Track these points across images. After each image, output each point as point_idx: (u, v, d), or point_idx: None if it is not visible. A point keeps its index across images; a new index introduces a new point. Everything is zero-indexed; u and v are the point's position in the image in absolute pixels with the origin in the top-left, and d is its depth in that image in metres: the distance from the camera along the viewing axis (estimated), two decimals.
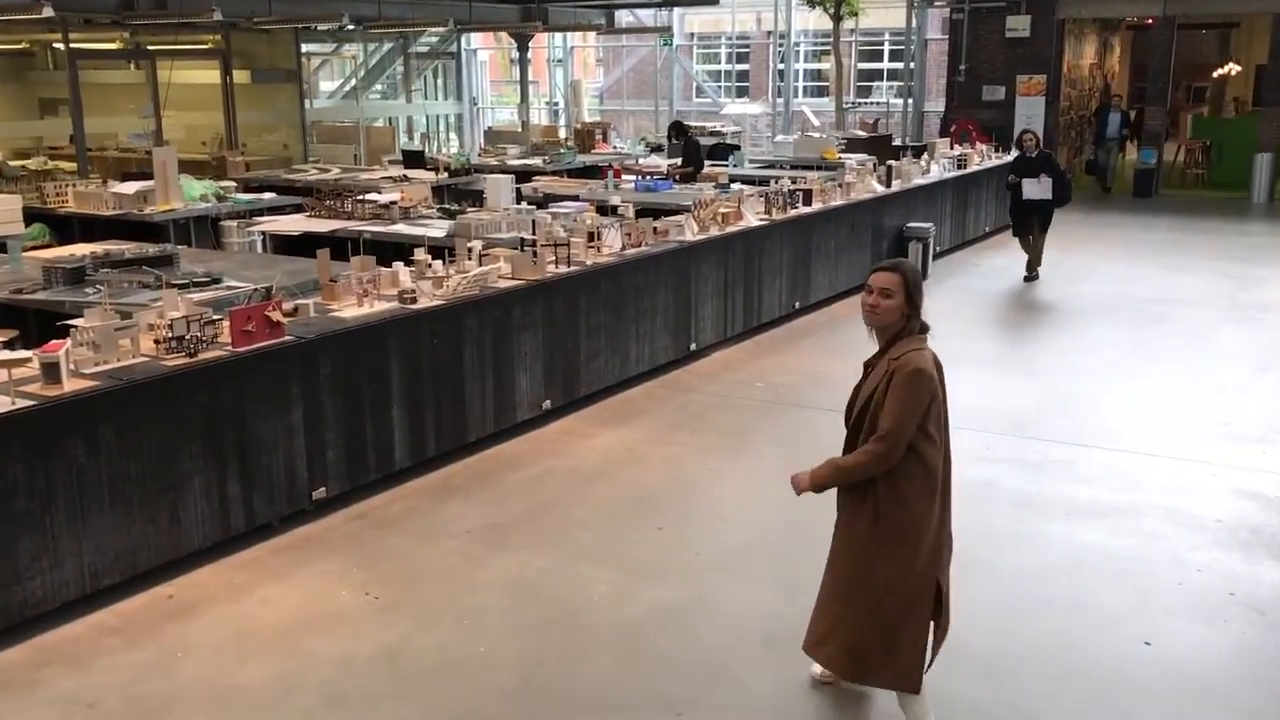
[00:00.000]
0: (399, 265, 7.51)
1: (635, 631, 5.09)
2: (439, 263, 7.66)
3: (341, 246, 9.28)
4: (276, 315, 6.09)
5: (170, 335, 5.70)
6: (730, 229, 9.95)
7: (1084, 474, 6.90)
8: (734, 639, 5.04)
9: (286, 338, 6.13)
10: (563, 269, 8.04)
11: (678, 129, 15.28)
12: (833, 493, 4.28)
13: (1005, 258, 14.53)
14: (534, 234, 8.57)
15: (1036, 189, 12.72)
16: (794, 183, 11.75)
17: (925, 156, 15.13)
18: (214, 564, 5.76)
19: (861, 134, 20.18)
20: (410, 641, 5.00)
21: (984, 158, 16.35)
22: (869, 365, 4.13)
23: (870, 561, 4.12)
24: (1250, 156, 20.44)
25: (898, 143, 20.79)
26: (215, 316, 6.10)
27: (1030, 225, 12.97)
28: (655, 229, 9.28)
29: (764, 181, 13.36)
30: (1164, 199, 20.73)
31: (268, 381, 5.97)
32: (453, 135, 26.22)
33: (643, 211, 9.98)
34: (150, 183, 11.82)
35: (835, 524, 4.29)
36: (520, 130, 20.93)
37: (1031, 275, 12.99)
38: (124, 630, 5.12)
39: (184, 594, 5.46)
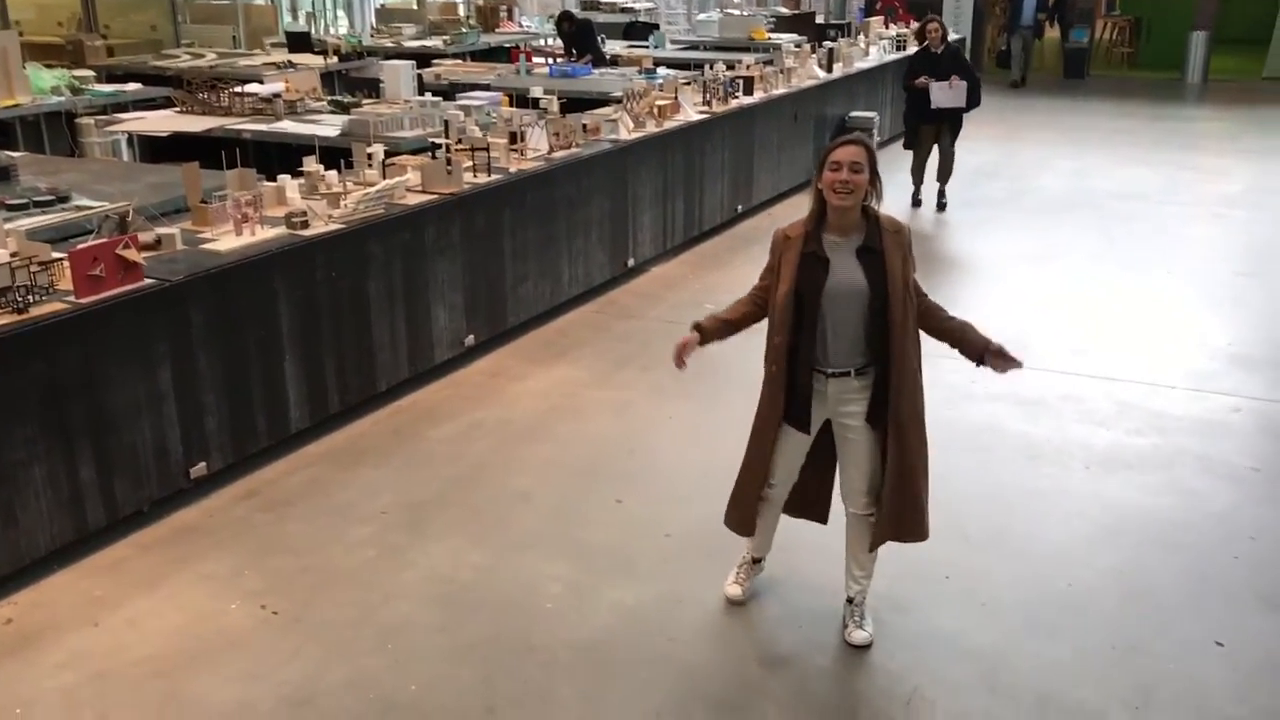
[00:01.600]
0: (285, 180, 6.24)
1: (602, 652, 4.11)
2: (333, 174, 6.41)
3: (219, 149, 7.91)
4: (132, 254, 4.84)
5: None
6: (668, 124, 8.78)
7: (1095, 412, 6.05)
8: (726, 655, 4.09)
9: (146, 281, 4.90)
10: (482, 178, 6.84)
11: (566, 18, 13.75)
12: None
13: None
14: (445, 136, 7.32)
15: (948, 95, 10.09)
16: (730, 68, 10.56)
17: (862, 38, 14.00)
18: (67, 570, 4.61)
19: (785, 11, 18.93)
20: (320, 679, 3.95)
21: None
22: (865, 249, 3.84)
23: (921, 410, 3.94)
24: (1184, 35, 19.70)
25: (821, 21, 19.59)
26: (55, 255, 4.83)
27: (934, 137, 10.42)
28: (585, 126, 8.08)
29: (691, 66, 12.13)
30: (1095, 81, 19.97)
31: (125, 339, 4.75)
32: (341, 14, 24.20)
33: (564, 104, 8.75)
34: None
35: (891, 407, 3.85)
36: (416, 7, 19.19)
37: (919, 201, 10.61)
38: None
39: (27, 617, 4.31)
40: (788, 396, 3.94)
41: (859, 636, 4.11)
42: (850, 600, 4.19)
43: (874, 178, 3.83)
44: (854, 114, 12.05)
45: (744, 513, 4.21)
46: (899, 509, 3.96)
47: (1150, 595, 4.40)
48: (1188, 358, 6.85)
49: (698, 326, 4.10)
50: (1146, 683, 3.88)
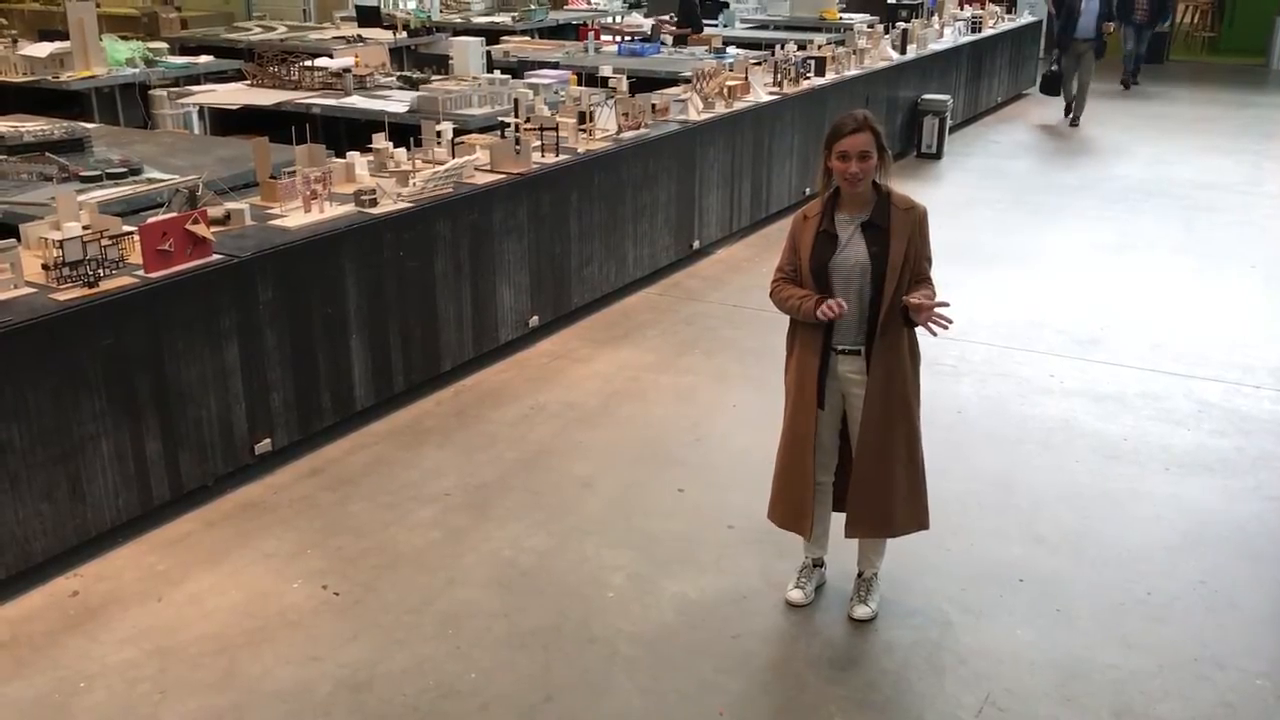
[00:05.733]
0: (355, 157, 6.21)
1: (664, 645, 4.04)
2: (402, 151, 6.37)
3: (288, 122, 7.91)
4: (201, 229, 4.83)
5: (62, 260, 4.44)
6: (738, 105, 8.64)
7: (1174, 411, 5.86)
8: (790, 654, 4.01)
9: (215, 257, 4.89)
10: (550, 158, 6.77)
11: None
12: None
13: (1023, 132, 13.33)
14: (515, 115, 7.25)
15: None
16: (801, 49, 10.38)
17: (936, 19, 13.71)
18: (132, 544, 4.63)
19: None
20: (380, 664, 3.92)
21: (997, 19, 14.93)
22: (869, 225, 3.82)
23: (908, 394, 3.92)
24: (1270, 18, 19.09)
25: (893, 0, 19.22)
26: (125, 229, 4.84)
27: None
28: (654, 106, 7.97)
29: (762, 46, 11.98)
30: (1175, 66, 19.42)
31: (192, 314, 4.74)
32: None
33: (632, 83, 8.64)
34: (67, 44, 10.29)
35: (866, 388, 3.89)
36: None
37: None
38: (13, 646, 4.00)
39: (93, 589, 4.34)
40: (820, 375, 3.94)
41: (861, 611, 4.17)
42: (860, 575, 4.25)
43: (881, 154, 3.79)
44: (927, 96, 11.80)
45: (795, 505, 4.10)
46: (866, 499, 3.98)
47: (1235, 606, 4.23)
48: (1272, 356, 6.61)
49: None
50: (1232, 700, 3.73)
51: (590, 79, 8.86)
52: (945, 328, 3.75)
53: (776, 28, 14.85)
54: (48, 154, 6.64)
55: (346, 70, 9.44)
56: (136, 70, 10.22)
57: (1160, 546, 4.62)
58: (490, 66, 10.63)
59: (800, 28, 14.33)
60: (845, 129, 3.76)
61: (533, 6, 15.79)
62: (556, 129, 6.88)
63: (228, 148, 7.34)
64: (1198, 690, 3.78)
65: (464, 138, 6.86)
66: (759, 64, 9.69)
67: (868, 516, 4.02)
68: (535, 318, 6.65)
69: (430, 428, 5.68)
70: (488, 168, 6.46)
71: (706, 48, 11.98)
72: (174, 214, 4.88)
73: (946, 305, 3.74)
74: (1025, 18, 16.30)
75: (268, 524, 4.80)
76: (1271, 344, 6.80)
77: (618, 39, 12.81)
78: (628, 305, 7.40)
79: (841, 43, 11.37)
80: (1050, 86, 13.97)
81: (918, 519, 4.07)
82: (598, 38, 12.92)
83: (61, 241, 4.43)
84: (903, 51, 11.68)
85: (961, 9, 15.13)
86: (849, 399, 3.99)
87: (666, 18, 13.84)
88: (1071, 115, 13.85)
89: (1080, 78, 13.63)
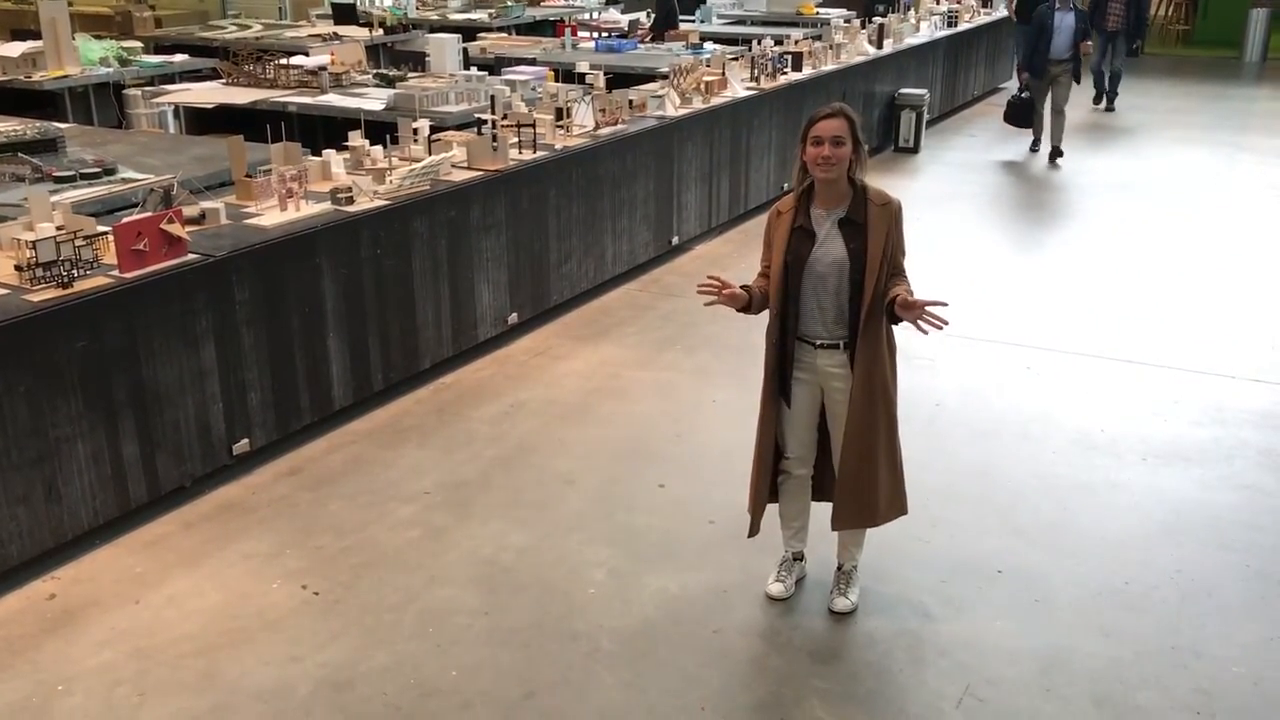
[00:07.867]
0: (331, 155, 6.18)
1: (645, 641, 4.04)
2: (379, 149, 6.35)
3: (263, 121, 7.87)
4: (176, 229, 4.80)
5: (35, 261, 4.41)
6: (716, 101, 8.64)
7: (1153, 403, 5.89)
8: (771, 648, 4.01)
9: (190, 256, 4.86)
10: (527, 155, 6.75)
11: None
12: None
13: (1000, 126, 13.33)
14: (492, 111, 7.23)
15: None
16: (778, 44, 10.39)
17: (913, 13, 13.74)
18: (110, 546, 4.60)
19: None
20: (360, 664, 3.91)
21: (973, 14, 14.97)
22: (846, 221, 3.81)
23: (888, 385, 3.92)
24: (1243, 11, 19.21)
25: None
26: (100, 229, 4.80)
27: None
28: (631, 102, 7.96)
29: (739, 41, 11.99)
30: (1149, 59, 19.50)
31: (168, 314, 4.71)
32: None
33: (609, 79, 8.64)
34: (39, 43, 10.20)
35: (851, 385, 3.88)
36: None
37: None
38: None
39: (70, 592, 4.31)
40: (780, 368, 3.98)
41: (841, 604, 4.19)
42: (840, 568, 4.27)
43: (856, 146, 3.77)
44: (904, 91, 11.83)
45: (754, 489, 4.16)
46: (853, 491, 3.98)
47: (1211, 595, 4.26)
48: (1248, 346, 6.66)
49: (746, 289, 3.97)
50: (1208, 686, 3.76)
51: (568, 75, 8.85)
52: (940, 328, 3.66)
53: (753, 23, 14.85)
54: (20, 154, 6.59)
55: (323, 68, 9.40)
56: (110, 70, 10.14)
57: (1138, 536, 4.65)
58: (467, 63, 10.60)
59: (777, 23, 14.35)
60: (820, 115, 3.77)
61: (510, 3, 15.75)
62: (534, 125, 6.86)
63: (203, 147, 7.30)
64: (1175, 678, 3.80)
65: (441, 135, 6.83)
66: (736, 59, 9.69)
67: (854, 509, 4.03)
68: (514, 315, 6.64)
69: (410, 426, 5.66)
70: (465, 165, 6.44)
71: (684, 43, 11.98)
72: (149, 213, 4.85)
73: (944, 305, 3.64)
74: (1001, 12, 16.35)
75: (246, 525, 4.78)
76: (1248, 334, 6.85)
77: (595, 35, 12.80)
78: (607, 302, 7.39)
79: (818, 38, 11.38)
80: (1018, 116, 11.66)
81: (898, 506, 4.09)
82: (575, 34, 12.91)
83: (35, 242, 4.39)
84: (880, 46, 11.69)
85: (938, 3, 15.16)
86: (829, 392, 3.99)
87: (640, 22, 13.76)
88: (1052, 145, 11.56)
89: (1054, 104, 11.49)
